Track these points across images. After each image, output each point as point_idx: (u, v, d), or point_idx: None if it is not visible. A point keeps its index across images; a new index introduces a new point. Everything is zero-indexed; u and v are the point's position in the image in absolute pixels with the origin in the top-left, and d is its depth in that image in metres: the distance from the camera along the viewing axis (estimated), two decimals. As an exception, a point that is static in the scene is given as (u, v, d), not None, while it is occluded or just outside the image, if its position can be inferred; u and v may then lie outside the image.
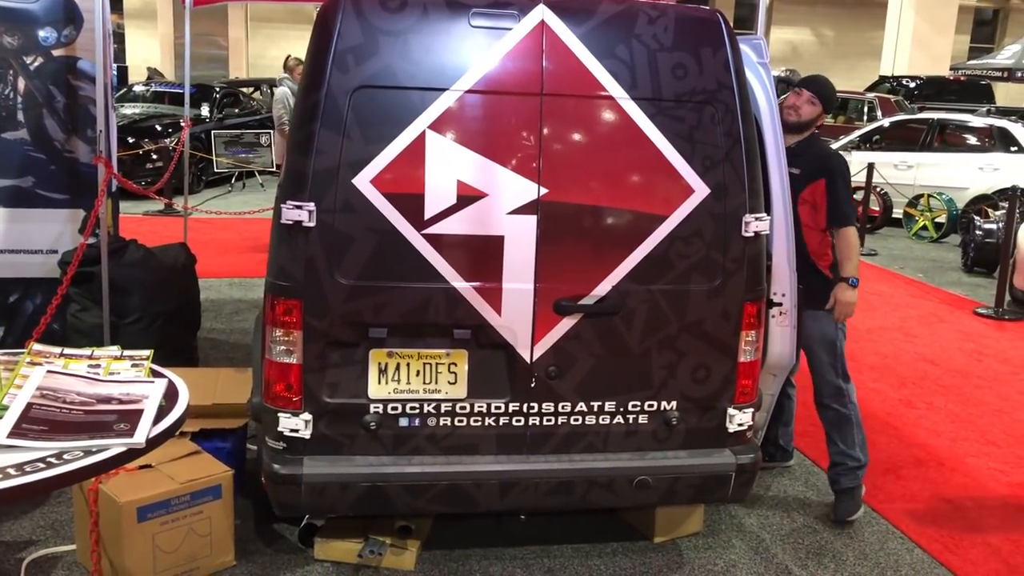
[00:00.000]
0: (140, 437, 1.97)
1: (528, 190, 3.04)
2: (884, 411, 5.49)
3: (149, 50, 26.02)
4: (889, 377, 6.13)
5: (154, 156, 11.92)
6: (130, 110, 13.49)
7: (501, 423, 3.17)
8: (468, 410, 3.15)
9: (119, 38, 26.14)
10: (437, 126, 2.98)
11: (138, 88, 15.13)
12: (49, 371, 2.18)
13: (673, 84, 3.10)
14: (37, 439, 1.92)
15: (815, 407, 4.05)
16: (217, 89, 14.64)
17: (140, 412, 2.07)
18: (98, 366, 2.32)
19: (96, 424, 2.01)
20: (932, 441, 5.06)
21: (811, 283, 3.79)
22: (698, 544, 3.80)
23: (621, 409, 3.23)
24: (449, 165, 2.99)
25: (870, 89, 18.88)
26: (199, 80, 15.74)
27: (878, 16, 23.95)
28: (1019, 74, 20.04)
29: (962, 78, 19.64)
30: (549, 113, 3.04)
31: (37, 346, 2.39)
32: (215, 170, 13.01)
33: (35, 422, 1.97)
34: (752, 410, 3.38)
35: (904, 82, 18.87)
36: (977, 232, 9.65)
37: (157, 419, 2.08)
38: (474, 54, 2.99)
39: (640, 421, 3.26)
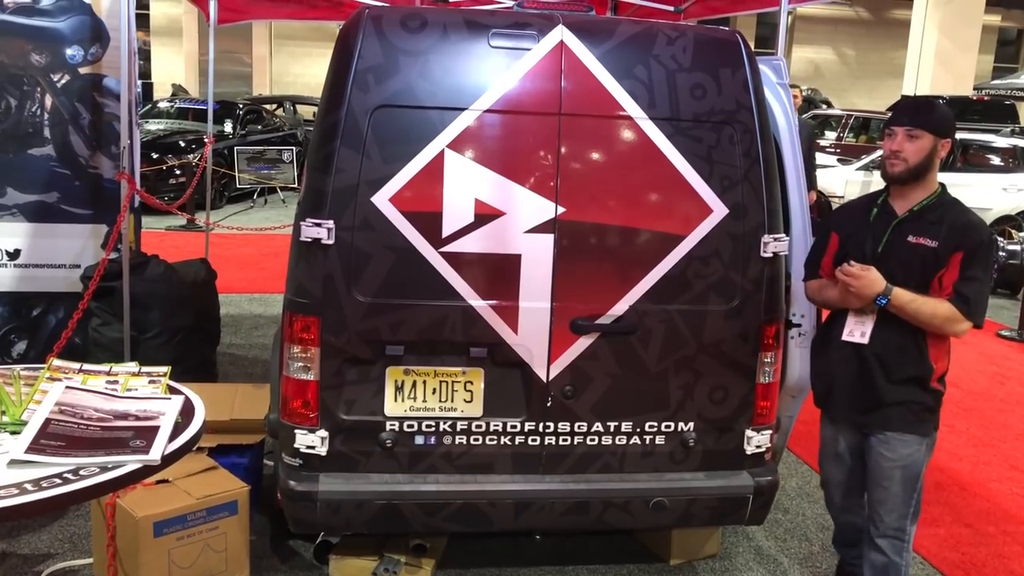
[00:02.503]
0: (155, 454, 1.98)
1: (546, 209, 3.04)
2: (905, 434, 5.42)
3: (174, 67, 26.38)
4: (910, 399, 6.06)
5: (177, 172, 12.05)
6: (154, 126, 13.67)
7: (517, 442, 3.16)
8: (484, 429, 3.14)
9: (145, 55, 26.54)
10: (456, 145, 2.99)
11: (163, 104, 15.34)
12: (68, 387, 2.19)
13: (692, 104, 3.10)
14: (54, 455, 1.94)
15: (863, 542, 3.22)
16: (240, 106, 14.81)
17: (156, 429, 2.09)
18: (116, 382, 2.34)
19: (113, 440, 2.02)
20: (954, 465, 4.99)
21: (911, 395, 3.01)
22: (715, 567, 3.76)
23: (638, 430, 3.21)
24: (467, 184, 3.00)
25: (891, 109, 18.77)
26: (223, 97, 15.96)
27: (900, 35, 23.86)
28: (1044, 94, 19.91)
29: (985, 98, 19.50)
30: (567, 133, 3.05)
31: (56, 362, 2.42)
32: (237, 186, 13.14)
33: (53, 438, 1.99)
34: (770, 432, 3.35)
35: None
36: (1000, 253, 9.55)
37: (173, 436, 2.10)
38: (493, 74, 3.01)
39: (657, 442, 3.24)
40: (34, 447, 1.96)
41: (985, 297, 2.95)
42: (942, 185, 3.08)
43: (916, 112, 3.06)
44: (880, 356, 3.03)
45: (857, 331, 3.06)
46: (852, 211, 3.28)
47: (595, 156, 3.10)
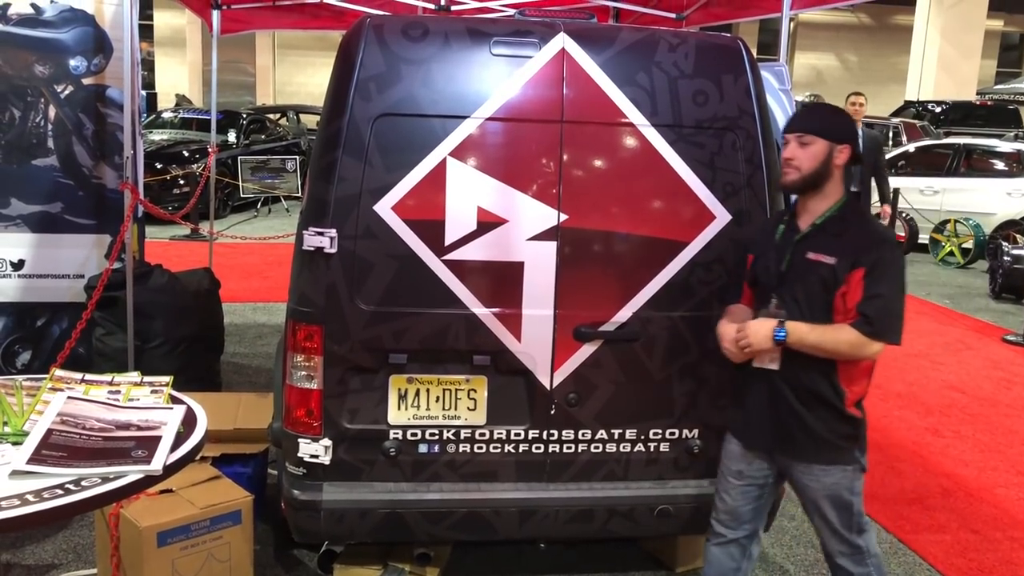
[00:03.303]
0: (157, 464, 1.98)
1: (548, 216, 3.04)
2: (910, 440, 5.40)
3: (178, 77, 26.48)
4: (915, 405, 6.04)
5: (181, 181, 12.08)
6: (158, 136, 13.71)
7: (521, 450, 3.15)
8: (487, 437, 3.13)
9: (149, 66, 26.66)
10: (458, 153, 2.99)
11: (167, 115, 15.38)
12: (70, 397, 2.19)
13: (694, 111, 3.10)
14: (56, 465, 1.94)
15: (826, 560, 3.05)
16: (244, 115, 14.85)
17: (158, 439, 2.08)
18: (118, 392, 2.34)
19: (114, 451, 2.02)
20: (960, 471, 4.97)
21: (827, 425, 2.79)
22: (721, 575, 3.74)
23: (642, 437, 3.20)
24: (469, 192, 3.00)
25: (895, 114, 18.79)
26: (226, 107, 16.01)
27: (903, 41, 23.88)
28: (1047, 99, 19.90)
29: (989, 103, 19.50)
30: (569, 140, 3.05)
31: (59, 372, 2.41)
32: (241, 195, 13.17)
33: (55, 448, 1.99)
34: (775, 439, 3.33)
35: (930, 107, 18.77)
36: (1005, 258, 9.53)
37: (175, 446, 2.09)
38: (495, 82, 3.01)
39: (661, 449, 3.23)
40: (36, 458, 1.95)
41: (894, 312, 2.68)
42: (853, 194, 2.91)
43: (807, 117, 2.87)
44: (791, 382, 2.79)
45: (767, 357, 2.80)
46: (765, 228, 2.99)
47: (597, 163, 3.10)
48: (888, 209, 8.21)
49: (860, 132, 7.85)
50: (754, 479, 2.96)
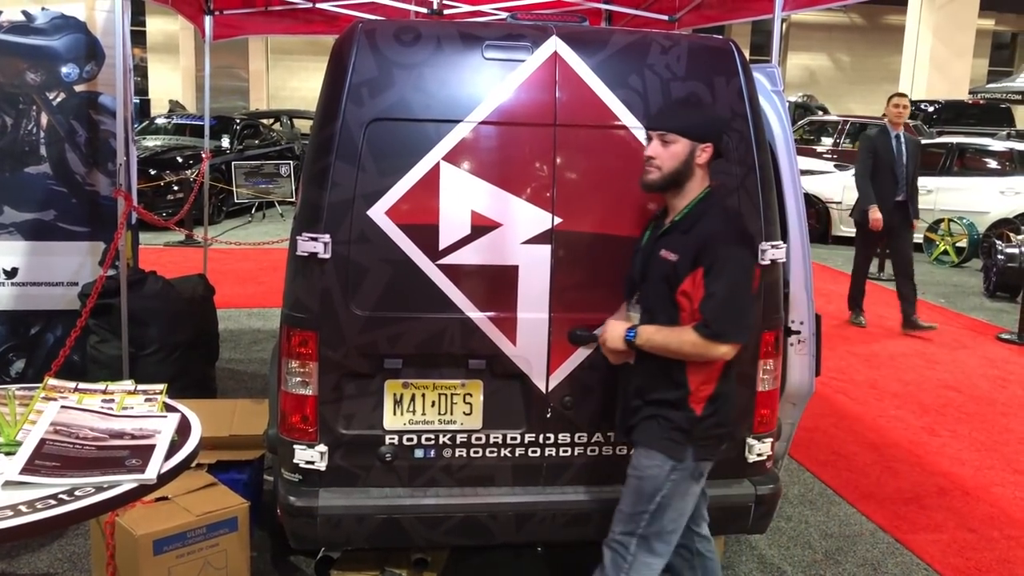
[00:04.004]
0: (151, 473, 1.97)
1: (542, 220, 3.04)
2: (906, 439, 5.41)
3: (171, 83, 26.44)
4: (911, 404, 6.05)
5: (175, 187, 12.06)
6: (152, 142, 13.68)
7: (517, 454, 3.15)
8: (484, 441, 3.13)
9: (142, 72, 26.62)
10: (451, 157, 2.99)
11: (160, 120, 15.36)
12: (63, 406, 2.18)
13: (687, 113, 3.09)
14: (49, 475, 1.93)
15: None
16: (237, 121, 14.83)
17: (152, 447, 2.07)
18: (112, 401, 2.33)
19: (108, 460, 2.01)
20: (956, 470, 4.98)
21: (662, 411, 2.76)
22: (718, 576, 3.74)
23: (638, 439, 3.19)
24: (463, 196, 3.00)
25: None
26: (220, 112, 16.00)
27: (895, 41, 23.94)
28: (1039, 97, 19.95)
29: (981, 102, 19.55)
30: (563, 143, 3.04)
31: (52, 381, 2.41)
32: (235, 201, 13.15)
33: (48, 458, 1.98)
34: (771, 440, 3.33)
35: (923, 106, 18.79)
36: (999, 256, 9.55)
37: (169, 454, 2.08)
38: (488, 86, 3.01)
39: (657, 451, 3.22)
40: (29, 468, 1.94)
41: (731, 311, 2.61)
42: (710, 189, 2.80)
43: (670, 115, 2.80)
44: (640, 376, 2.82)
45: (623, 356, 2.87)
46: (645, 227, 2.99)
47: (591, 166, 3.10)
48: (917, 223, 8.13)
49: (902, 136, 7.71)
50: None
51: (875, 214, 7.65)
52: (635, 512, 2.78)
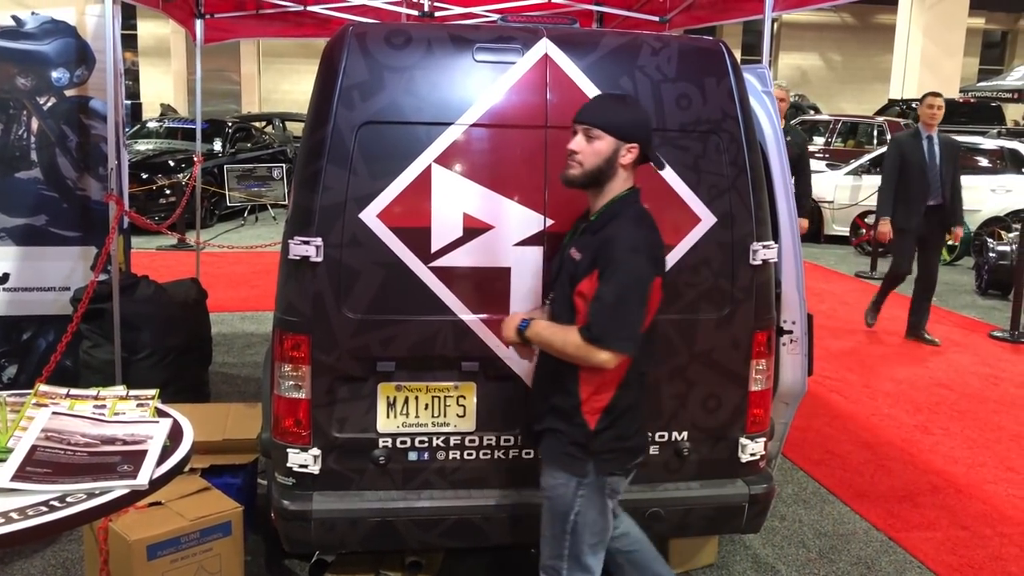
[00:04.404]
0: (143, 479, 1.97)
1: (534, 221, 3.04)
2: (899, 437, 5.43)
3: (163, 87, 26.38)
4: (904, 403, 6.07)
5: (167, 191, 12.03)
6: (144, 146, 13.64)
7: (511, 456, 3.15)
8: (477, 443, 3.13)
9: (134, 75, 26.55)
10: (443, 160, 2.99)
11: (152, 124, 15.31)
12: (55, 412, 2.18)
13: (677, 115, 3.10)
14: (41, 482, 1.92)
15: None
16: (229, 124, 14.79)
17: (144, 453, 2.07)
18: (103, 407, 2.32)
19: (100, 466, 2.00)
20: (949, 468, 4.99)
21: (557, 424, 2.68)
22: (712, 575, 3.75)
23: (631, 440, 3.20)
24: (455, 198, 3.00)
25: (879, 113, 18.89)
26: (212, 115, 15.95)
27: (886, 40, 24.03)
28: (1030, 95, 20.02)
29: (972, 100, 19.62)
30: (554, 145, 3.04)
31: (43, 387, 2.40)
32: (228, 204, 13.12)
33: (39, 465, 1.97)
34: (764, 439, 3.35)
35: (913, 105, 18.83)
36: (991, 254, 9.59)
37: (161, 459, 2.08)
38: (479, 88, 3.01)
39: (651, 452, 3.22)
40: (20, 475, 1.94)
41: (615, 318, 2.49)
42: (631, 191, 2.67)
43: (598, 109, 2.65)
44: (539, 380, 2.80)
45: (524, 353, 2.86)
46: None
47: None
48: (960, 232, 7.54)
49: (935, 137, 7.20)
50: None
51: (884, 227, 7.27)
52: (555, 534, 2.70)
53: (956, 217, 7.33)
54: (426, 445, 3.10)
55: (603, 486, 2.67)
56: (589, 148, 2.60)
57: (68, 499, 1.88)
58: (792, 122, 17.62)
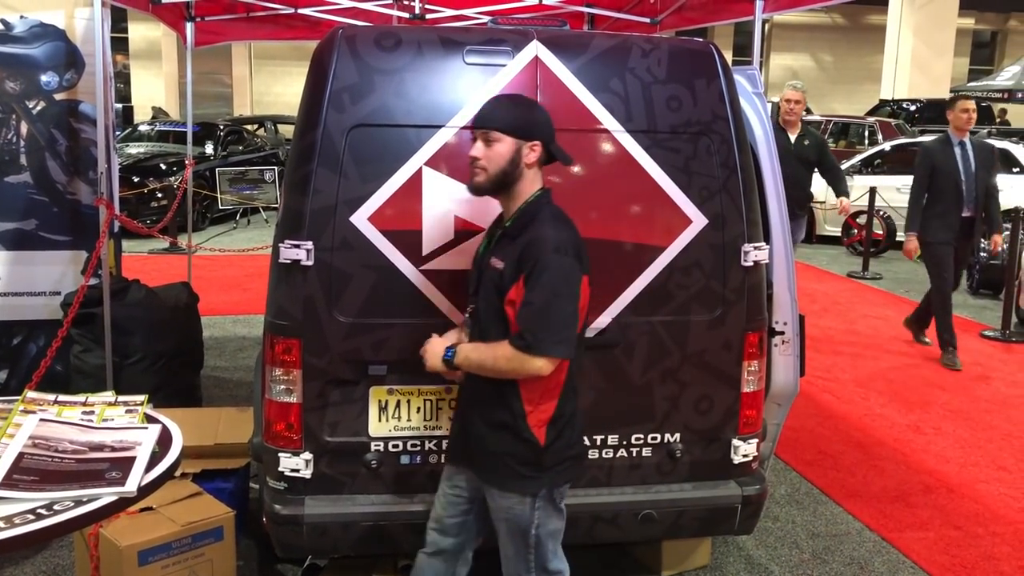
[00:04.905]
0: (131, 486, 1.95)
1: (525, 224, 3.03)
2: (891, 437, 5.43)
3: (154, 89, 26.31)
4: (896, 402, 6.08)
5: (159, 195, 12.00)
6: (135, 149, 13.61)
7: (503, 459, 3.14)
8: (469, 446, 3.12)
9: (125, 78, 26.48)
10: (434, 163, 2.98)
11: (143, 127, 15.27)
12: (42, 419, 2.16)
13: (668, 116, 3.10)
14: (28, 490, 1.90)
15: None
16: (221, 127, 14.76)
17: (132, 459, 2.06)
18: (92, 413, 2.31)
19: (88, 473, 1.99)
20: (941, 467, 5.00)
21: (504, 445, 2.58)
22: (706, 578, 3.75)
23: (624, 442, 3.20)
24: (446, 201, 2.99)
25: (870, 113, 18.94)
26: (204, 118, 15.92)
27: (877, 40, 24.10)
28: (1020, 95, 20.09)
29: (962, 100, 19.64)
30: (545, 147, 3.04)
31: (31, 394, 2.38)
32: (220, 207, 13.09)
33: (26, 472, 1.96)
34: (757, 440, 3.35)
35: (904, 105, 18.94)
36: (981, 254, 9.61)
37: (150, 466, 2.07)
38: (469, 91, 3.00)
39: (644, 454, 3.22)
40: (6, 483, 1.92)
41: (548, 321, 2.41)
42: (542, 191, 2.61)
43: (493, 112, 2.57)
44: (475, 399, 2.65)
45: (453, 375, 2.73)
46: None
47: (573, 170, 3.09)
48: (999, 240, 6.99)
49: (968, 143, 6.75)
50: (461, 491, 2.77)
51: (911, 243, 6.81)
52: (518, 552, 2.65)
53: (995, 225, 6.87)
54: (418, 448, 3.09)
55: (556, 496, 2.64)
56: (490, 152, 2.53)
57: (55, 507, 1.86)
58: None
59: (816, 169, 7.18)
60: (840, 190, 7.31)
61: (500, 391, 2.55)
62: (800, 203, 7.04)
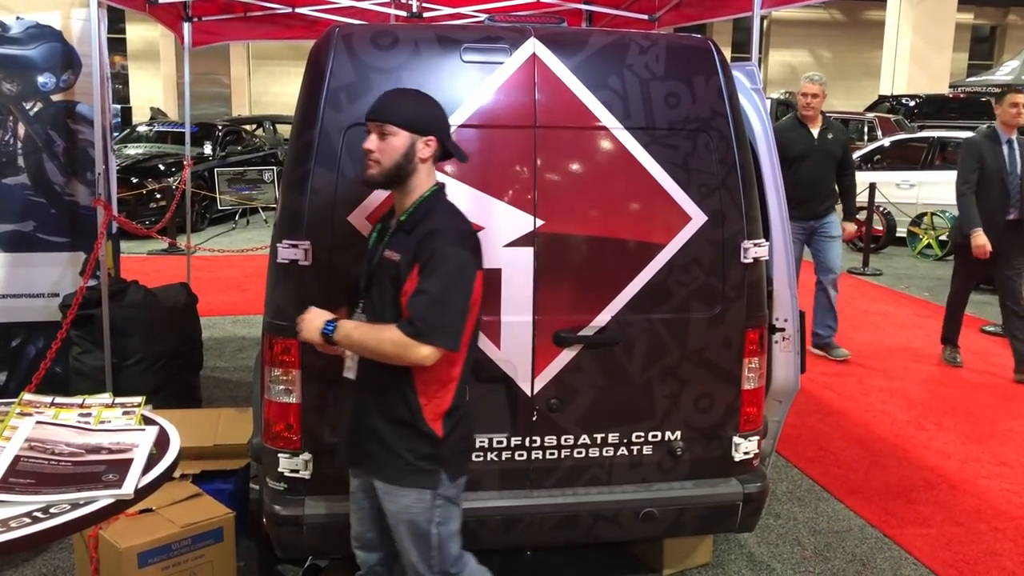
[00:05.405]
0: (128, 488, 1.94)
1: (524, 222, 3.03)
2: (893, 433, 5.42)
3: (153, 90, 26.28)
4: (897, 398, 6.07)
5: (158, 195, 11.98)
6: (133, 150, 13.59)
7: (503, 458, 3.13)
8: (469, 446, 3.11)
9: (123, 79, 26.45)
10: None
11: (142, 128, 15.25)
12: (39, 422, 2.15)
13: (667, 113, 3.09)
14: (24, 493, 1.89)
15: None
16: (219, 127, 14.74)
17: (130, 461, 2.05)
18: (89, 415, 2.30)
19: (84, 475, 1.98)
20: (943, 463, 4.99)
21: (402, 440, 2.56)
22: (708, 575, 3.74)
23: (625, 440, 3.19)
24: (444, 200, 2.98)
25: (870, 109, 18.91)
26: (202, 118, 15.91)
27: (875, 36, 24.07)
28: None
29: (961, 95, 19.67)
30: (543, 145, 3.03)
31: (27, 396, 2.37)
32: (219, 208, 13.08)
33: (22, 475, 1.95)
34: (757, 438, 3.34)
35: (903, 101, 18.90)
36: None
37: (147, 467, 2.06)
38: (467, 89, 2.99)
39: (644, 452, 3.22)
40: (2, 486, 1.91)
41: (440, 311, 2.41)
42: (438, 187, 2.60)
43: (389, 105, 2.55)
44: (368, 393, 2.61)
45: (349, 364, 2.64)
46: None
47: (572, 168, 3.09)
48: None
49: (1015, 141, 6.38)
50: (365, 501, 2.75)
51: (979, 239, 6.27)
52: (422, 555, 2.62)
53: None
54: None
55: (454, 490, 2.63)
56: (384, 145, 2.51)
57: (52, 510, 1.85)
58: (783, 119, 17.63)
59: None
60: (849, 209, 6.86)
61: (396, 386, 2.53)
62: (823, 199, 6.61)
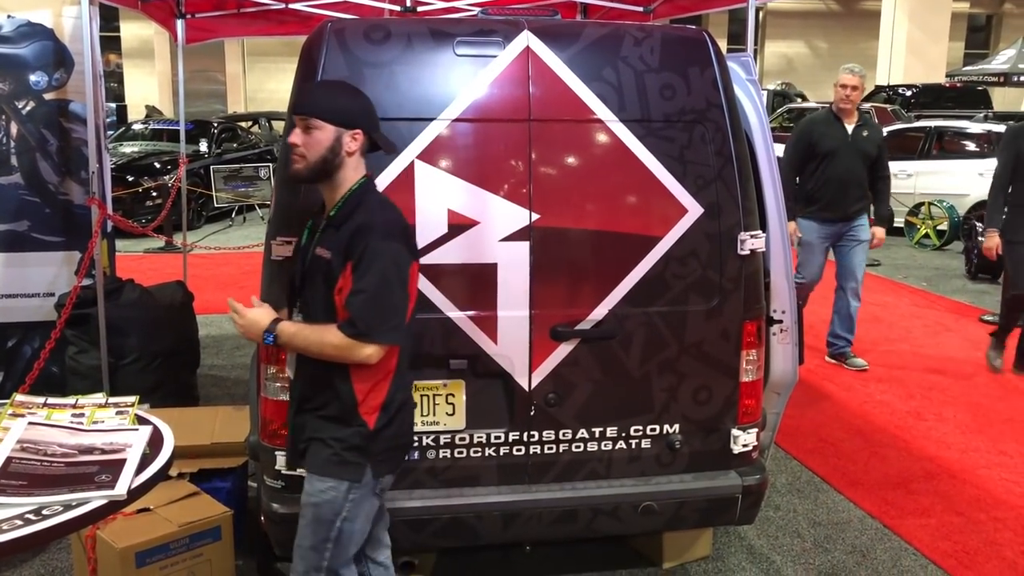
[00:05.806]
0: (121, 488, 1.93)
1: (520, 216, 3.01)
2: (893, 424, 5.42)
3: (148, 88, 26.23)
4: (896, 389, 6.06)
5: (154, 193, 11.95)
6: (129, 148, 13.56)
7: (501, 453, 3.12)
8: (467, 441, 3.10)
9: (118, 77, 26.40)
10: (426, 156, 2.95)
11: (137, 126, 15.21)
12: (31, 423, 2.14)
13: (662, 105, 3.07)
14: (15, 495, 1.88)
15: None
16: (215, 124, 14.70)
17: (123, 462, 2.03)
18: (82, 415, 2.28)
19: (77, 476, 1.96)
20: (943, 453, 4.99)
21: (331, 431, 2.53)
22: (707, 568, 3.73)
23: (623, 434, 3.18)
24: (439, 194, 2.96)
25: (866, 99, 18.88)
26: (198, 116, 15.86)
27: (871, 26, 24.03)
28: (1015, 78, 20.07)
29: (958, 84, 19.65)
30: (538, 138, 3.02)
31: (20, 397, 2.36)
32: (215, 205, 13.05)
33: (14, 477, 1.93)
34: (756, 430, 3.33)
35: (900, 91, 18.87)
36: (979, 238, 9.57)
37: (141, 467, 2.04)
38: (460, 83, 2.97)
39: (643, 446, 3.21)
40: (-5, 488, 1.90)
41: (379, 308, 2.39)
42: (366, 179, 2.56)
43: (313, 99, 2.52)
44: (302, 383, 2.59)
45: (289, 360, 2.63)
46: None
47: (567, 161, 3.07)
48: None
49: None
50: None
51: (991, 241, 6.11)
52: (316, 544, 2.53)
53: None
54: (416, 444, 3.07)
55: (376, 487, 2.58)
56: (309, 139, 2.47)
57: (44, 511, 1.83)
58: (779, 110, 17.62)
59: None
60: (881, 213, 6.38)
61: (331, 379, 2.50)
62: (854, 200, 6.13)
